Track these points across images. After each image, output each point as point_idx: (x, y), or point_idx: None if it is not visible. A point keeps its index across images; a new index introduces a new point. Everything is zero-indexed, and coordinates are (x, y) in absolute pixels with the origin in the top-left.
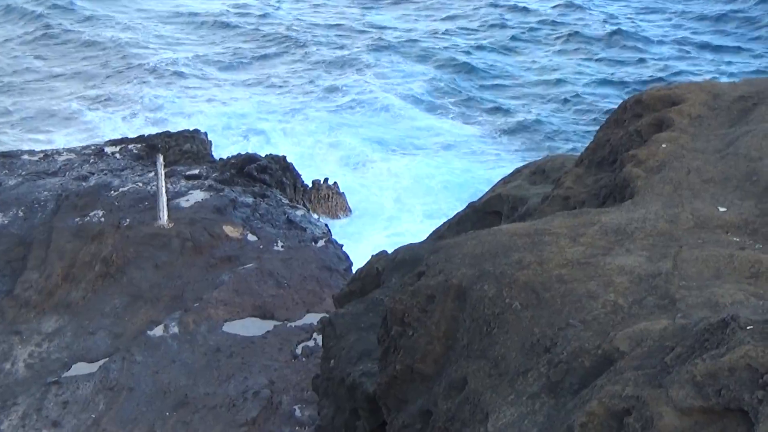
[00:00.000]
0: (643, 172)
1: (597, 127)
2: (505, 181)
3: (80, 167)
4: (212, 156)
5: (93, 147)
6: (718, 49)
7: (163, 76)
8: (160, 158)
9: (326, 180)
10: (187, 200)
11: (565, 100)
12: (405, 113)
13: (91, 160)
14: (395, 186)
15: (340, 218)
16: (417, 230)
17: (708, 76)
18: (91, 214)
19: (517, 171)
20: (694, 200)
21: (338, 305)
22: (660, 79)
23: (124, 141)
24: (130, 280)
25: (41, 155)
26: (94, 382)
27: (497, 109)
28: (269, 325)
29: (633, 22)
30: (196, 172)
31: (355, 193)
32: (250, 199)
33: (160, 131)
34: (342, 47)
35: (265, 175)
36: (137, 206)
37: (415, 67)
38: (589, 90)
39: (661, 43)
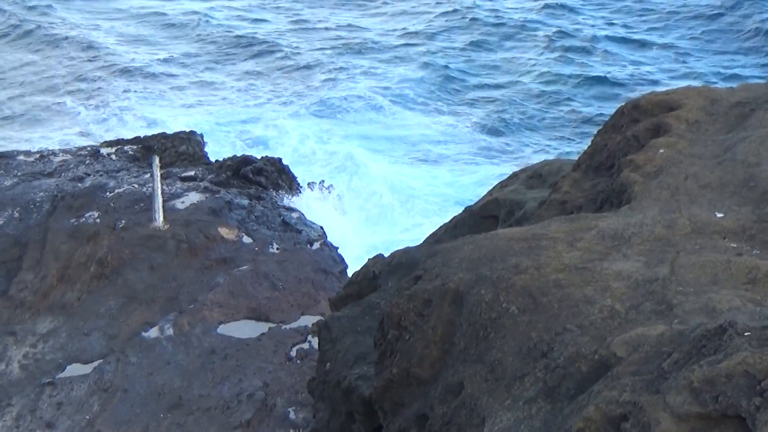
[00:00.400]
0: (640, 177)
1: (590, 130)
2: (502, 185)
3: (76, 168)
4: (208, 158)
5: (89, 148)
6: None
7: (148, 76)
8: (156, 160)
9: (322, 182)
10: (183, 202)
11: (556, 102)
12: (396, 115)
13: (87, 161)
14: (389, 188)
15: (335, 220)
16: (413, 233)
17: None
18: (87, 215)
19: (514, 175)
20: (692, 206)
21: (334, 308)
22: (653, 81)
23: (120, 142)
24: (125, 281)
25: (37, 156)
26: (88, 383)
27: (491, 111)
28: (264, 327)
29: (623, 25)
30: (192, 173)
31: (350, 195)
32: (245, 201)
33: (156, 132)
34: (321, 49)
35: (261, 177)
36: (133, 207)
37: (400, 68)
38: (581, 92)
39: (647, 46)
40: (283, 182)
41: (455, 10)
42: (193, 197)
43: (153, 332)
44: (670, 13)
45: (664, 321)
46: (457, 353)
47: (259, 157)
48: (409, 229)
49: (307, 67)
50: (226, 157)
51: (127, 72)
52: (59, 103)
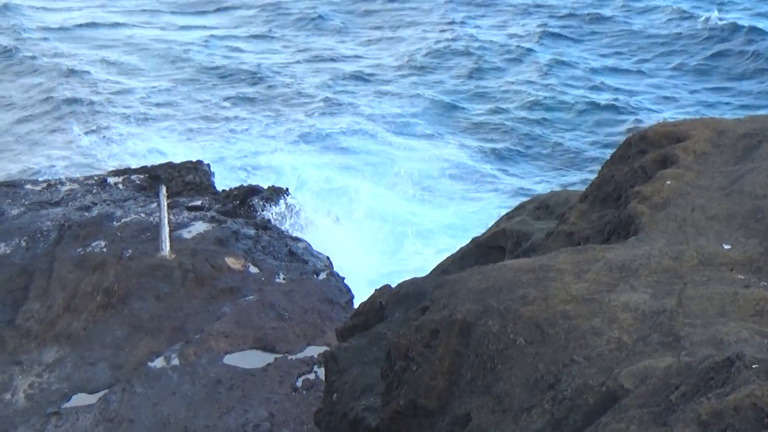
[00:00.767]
0: (647, 209)
1: (592, 156)
2: (509, 215)
3: (83, 197)
4: (214, 187)
5: (96, 177)
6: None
7: (149, 105)
8: (163, 189)
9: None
10: (190, 231)
11: (558, 131)
12: (398, 144)
13: (94, 191)
14: (393, 219)
15: (341, 250)
16: (419, 264)
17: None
18: (94, 244)
19: (521, 206)
20: (699, 237)
21: (341, 339)
22: (653, 111)
23: (126, 171)
24: (131, 311)
25: (44, 185)
26: (94, 413)
27: (493, 140)
28: (270, 357)
29: (621, 54)
30: (199, 203)
31: (355, 225)
32: (252, 231)
33: (162, 162)
34: (321, 79)
35: (268, 207)
36: (139, 237)
37: (400, 98)
38: (583, 121)
39: (646, 75)
40: (290, 212)
41: (454, 39)
42: (200, 227)
43: (159, 362)
44: (668, 41)
45: (671, 353)
46: (465, 384)
47: (265, 186)
48: (415, 259)
49: (309, 96)
50: (232, 186)
51: (127, 101)
52: (60, 129)
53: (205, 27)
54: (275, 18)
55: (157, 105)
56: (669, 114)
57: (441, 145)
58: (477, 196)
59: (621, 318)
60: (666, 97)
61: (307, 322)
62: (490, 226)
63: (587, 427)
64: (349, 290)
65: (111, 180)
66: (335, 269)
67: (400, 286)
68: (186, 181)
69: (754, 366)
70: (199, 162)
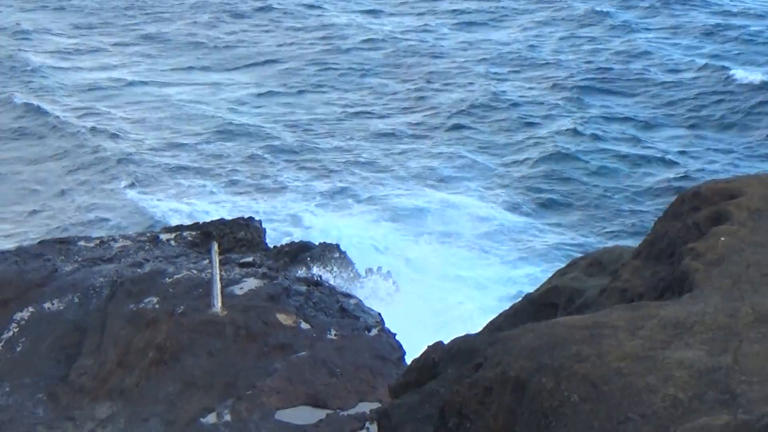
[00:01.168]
0: (701, 266)
1: (644, 213)
2: (562, 272)
3: (135, 254)
4: (266, 244)
5: (148, 234)
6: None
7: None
8: (215, 246)
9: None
10: (241, 288)
11: (615, 185)
12: (445, 200)
13: (146, 247)
14: (445, 275)
15: (393, 307)
16: (469, 322)
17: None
18: (146, 300)
19: (574, 262)
20: (754, 294)
21: (394, 396)
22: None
23: (179, 228)
24: (183, 367)
25: (97, 242)
26: None
27: (547, 200)
28: (322, 413)
29: (665, 108)
30: (250, 259)
31: (407, 281)
32: (303, 287)
33: (215, 219)
34: (357, 136)
35: (319, 263)
36: (191, 293)
37: (438, 150)
38: (630, 173)
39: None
40: (341, 268)
41: (490, 94)
42: (252, 283)
43: (211, 418)
44: (703, 95)
45: (728, 410)
46: None
47: (316, 243)
48: (466, 316)
49: (349, 152)
50: (284, 242)
51: (174, 157)
52: (107, 186)
53: (245, 83)
54: (318, 73)
55: (203, 161)
56: (713, 166)
57: (486, 201)
58: (526, 252)
59: (676, 375)
60: (713, 151)
61: (359, 379)
62: (542, 282)
63: None
64: (400, 346)
65: (163, 237)
66: (387, 326)
67: (452, 342)
68: (237, 237)
69: None
70: (251, 218)
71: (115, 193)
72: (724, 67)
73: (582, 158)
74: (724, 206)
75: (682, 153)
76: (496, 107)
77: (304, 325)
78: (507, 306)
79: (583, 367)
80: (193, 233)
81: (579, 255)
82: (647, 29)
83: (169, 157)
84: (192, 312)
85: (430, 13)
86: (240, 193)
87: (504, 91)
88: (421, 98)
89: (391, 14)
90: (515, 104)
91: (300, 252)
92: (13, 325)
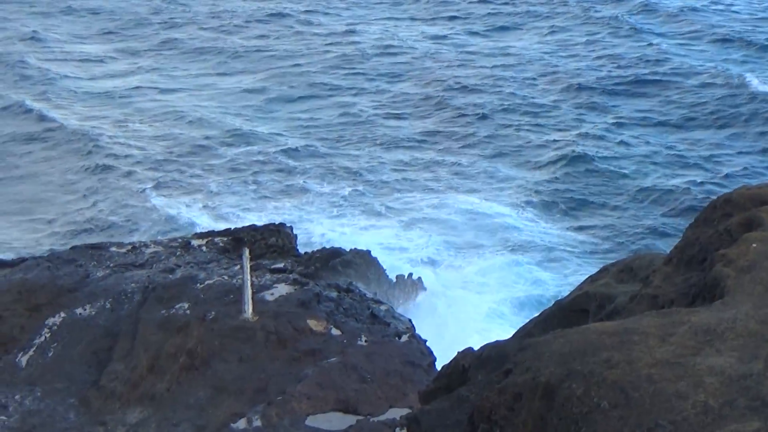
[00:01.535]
0: (733, 272)
1: (675, 222)
2: (593, 279)
3: (167, 260)
4: (297, 250)
5: (180, 240)
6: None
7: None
8: (246, 252)
9: (411, 275)
10: (272, 294)
11: (642, 191)
12: (478, 208)
13: (178, 253)
14: (476, 281)
15: (424, 313)
16: (498, 328)
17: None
18: (177, 306)
19: (605, 269)
20: None
21: (424, 402)
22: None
23: (210, 234)
24: (214, 372)
25: (129, 247)
26: None
27: (575, 207)
28: (352, 419)
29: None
30: (281, 265)
31: (437, 287)
32: (334, 294)
33: (246, 225)
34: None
35: (350, 270)
36: (222, 299)
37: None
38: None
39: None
40: (372, 274)
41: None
42: (283, 289)
43: (241, 423)
44: (721, 104)
45: (758, 417)
46: None
47: (348, 249)
48: (496, 321)
49: (376, 159)
50: (315, 249)
51: (204, 164)
52: (136, 193)
53: (261, 89)
54: (339, 79)
55: (232, 169)
56: (735, 171)
57: (514, 207)
58: (555, 258)
59: (707, 382)
60: (737, 155)
61: (389, 385)
62: (573, 289)
63: None
64: (431, 353)
65: (195, 242)
66: (417, 332)
67: (482, 348)
68: (269, 243)
69: None
70: (282, 225)
71: (138, 198)
72: (742, 74)
73: (606, 164)
74: (756, 212)
75: (707, 158)
76: (519, 111)
77: (335, 331)
78: (536, 312)
79: (614, 374)
80: (225, 239)
81: (609, 261)
82: (666, 35)
83: (199, 164)
84: (223, 318)
85: (448, 20)
86: (267, 198)
87: (525, 96)
88: (442, 104)
89: (411, 21)
90: (536, 110)
91: (331, 258)
92: (45, 330)
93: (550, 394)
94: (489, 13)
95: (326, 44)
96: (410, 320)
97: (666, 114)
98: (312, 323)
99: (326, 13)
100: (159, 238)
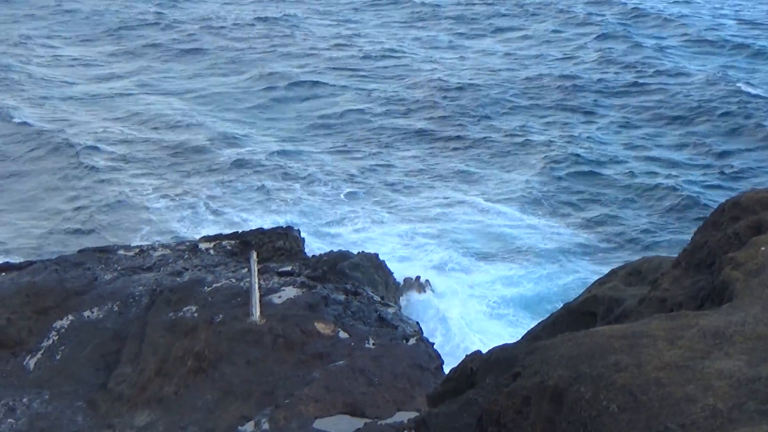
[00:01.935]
0: (741, 275)
1: (683, 227)
2: (601, 282)
3: (174, 263)
4: (305, 253)
5: (187, 243)
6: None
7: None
8: (254, 255)
9: (418, 278)
10: (280, 297)
11: (639, 191)
12: (490, 214)
13: (186, 256)
14: (484, 289)
15: (431, 316)
16: (505, 330)
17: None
18: (185, 309)
19: (613, 272)
20: None
21: (432, 405)
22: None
23: (218, 237)
24: (222, 375)
25: (137, 250)
26: None
27: (576, 208)
28: (359, 422)
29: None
30: (289, 268)
31: (445, 290)
32: (341, 297)
33: (254, 228)
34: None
35: (357, 273)
36: (230, 302)
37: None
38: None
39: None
40: (380, 278)
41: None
42: (290, 292)
43: (249, 426)
44: (708, 102)
45: (767, 420)
46: None
47: (355, 252)
48: (505, 324)
49: (400, 164)
50: (322, 252)
51: (209, 166)
52: (138, 197)
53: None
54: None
55: (239, 170)
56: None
57: (531, 214)
58: (562, 263)
59: (716, 385)
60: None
61: (397, 388)
62: (581, 292)
63: None
64: (438, 356)
65: (202, 246)
66: (425, 335)
67: (490, 352)
68: (276, 246)
69: None
70: (290, 228)
71: (138, 200)
72: (733, 79)
73: (603, 166)
74: (765, 216)
75: (703, 159)
76: (514, 113)
77: (343, 334)
78: (544, 316)
79: (622, 377)
80: (232, 242)
81: (609, 261)
82: (658, 39)
83: (205, 166)
84: (230, 321)
85: (437, 26)
86: (267, 201)
87: (520, 98)
88: (437, 107)
89: (399, 26)
90: (532, 112)
91: (338, 261)
92: (53, 333)
93: (558, 397)
94: (481, 16)
95: (320, 47)
96: (418, 323)
97: (659, 115)
98: (319, 326)
99: (320, 16)
100: (167, 241)
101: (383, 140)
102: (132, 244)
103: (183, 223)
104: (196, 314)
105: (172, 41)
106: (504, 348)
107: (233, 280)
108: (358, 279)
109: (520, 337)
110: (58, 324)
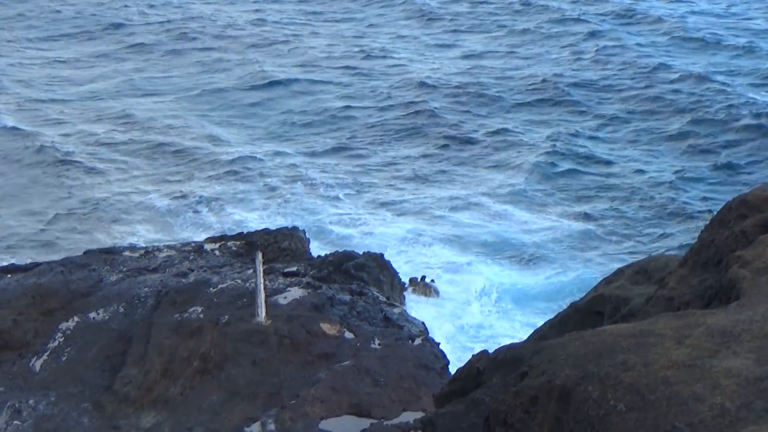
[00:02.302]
0: (749, 273)
1: (689, 225)
2: (608, 281)
3: (180, 264)
4: (310, 253)
5: (193, 244)
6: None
7: (239, 172)
8: (259, 255)
9: (423, 278)
10: (285, 297)
11: (655, 198)
12: (495, 212)
13: (191, 257)
14: (490, 284)
15: (437, 316)
16: (511, 331)
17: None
18: (190, 310)
19: (620, 271)
20: None
21: (438, 405)
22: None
23: (223, 238)
24: (227, 376)
25: (142, 252)
26: None
27: (587, 207)
28: (365, 423)
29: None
30: (294, 269)
31: (451, 290)
32: (347, 297)
33: (259, 229)
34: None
35: (363, 273)
36: (236, 303)
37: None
38: (682, 186)
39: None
40: (385, 278)
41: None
42: (296, 293)
43: (255, 427)
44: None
45: None
46: None
47: (360, 252)
48: (511, 325)
49: (403, 164)
50: (328, 252)
51: (213, 165)
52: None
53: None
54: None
55: (242, 169)
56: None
57: (537, 212)
58: (569, 262)
59: (724, 384)
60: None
61: (403, 388)
62: (588, 291)
63: None
64: (444, 356)
65: (207, 247)
66: (431, 335)
67: (497, 351)
68: (282, 247)
69: None
70: (295, 228)
71: (148, 203)
72: (726, 77)
73: (595, 165)
74: None
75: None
76: (503, 112)
77: (348, 335)
78: (550, 315)
79: (630, 376)
80: (238, 243)
81: (610, 259)
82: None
83: (209, 165)
84: (236, 321)
85: (412, 27)
86: (273, 198)
87: (508, 96)
88: (434, 108)
89: (393, 25)
90: (521, 110)
91: (344, 261)
92: (59, 334)
93: (566, 396)
94: (466, 14)
95: (314, 46)
96: (423, 323)
97: (654, 112)
98: (325, 327)
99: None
100: (172, 242)
101: (384, 139)
102: (138, 245)
103: (182, 225)
104: (201, 315)
105: (161, 41)
106: (511, 347)
107: (239, 281)
108: (364, 279)
109: (526, 337)
110: (63, 325)
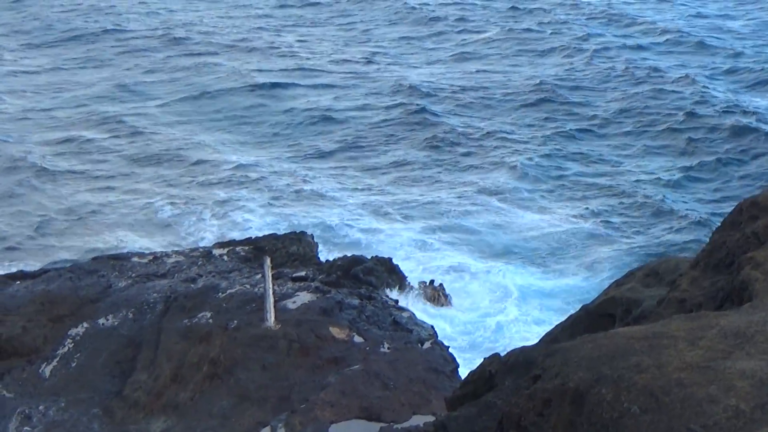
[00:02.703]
0: (761, 275)
1: (690, 225)
2: (618, 283)
3: (188, 269)
4: (318, 258)
5: (201, 249)
6: None
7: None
8: (268, 260)
9: (432, 282)
10: (294, 302)
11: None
12: (504, 213)
13: (199, 263)
14: (498, 287)
15: (446, 319)
16: (523, 335)
17: None
18: (200, 315)
19: (631, 273)
20: None
21: (450, 408)
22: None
23: (231, 243)
24: (237, 381)
25: (150, 257)
26: None
27: (597, 209)
28: (375, 427)
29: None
30: (303, 274)
31: (460, 293)
32: (356, 301)
33: (267, 234)
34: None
35: (371, 277)
36: (244, 308)
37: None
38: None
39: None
40: (394, 282)
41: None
42: (304, 297)
43: None
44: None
45: None
46: None
47: (369, 257)
48: (522, 327)
49: (405, 166)
50: (336, 256)
51: (214, 172)
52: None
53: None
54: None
55: (244, 176)
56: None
57: (547, 213)
58: (578, 263)
59: (738, 385)
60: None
61: (413, 391)
62: (599, 293)
63: None
64: (454, 359)
65: (216, 252)
66: (440, 338)
67: (509, 354)
68: (290, 252)
69: None
70: (303, 233)
71: (150, 209)
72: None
73: (606, 167)
74: None
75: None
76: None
77: (358, 339)
78: (562, 318)
79: (643, 378)
80: (246, 248)
81: (611, 259)
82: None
83: (211, 171)
84: (245, 326)
85: (407, 31)
86: (278, 203)
87: (495, 100)
88: (434, 108)
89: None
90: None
91: (353, 266)
92: (68, 340)
93: (579, 399)
94: (463, 17)
95: (311, 51)
96: (432, 327)
97: (647, 116)
98: (334, 331)
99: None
100: (181, 248)
101: (386, 141)
102: (146, 252)
103: (185, 231)
104: (210, 320)
105: (148, 48)
106: (522, 350)
107: (247, 286)
108: (372, 283)
109: (538, 340)
110: (73, 331)
